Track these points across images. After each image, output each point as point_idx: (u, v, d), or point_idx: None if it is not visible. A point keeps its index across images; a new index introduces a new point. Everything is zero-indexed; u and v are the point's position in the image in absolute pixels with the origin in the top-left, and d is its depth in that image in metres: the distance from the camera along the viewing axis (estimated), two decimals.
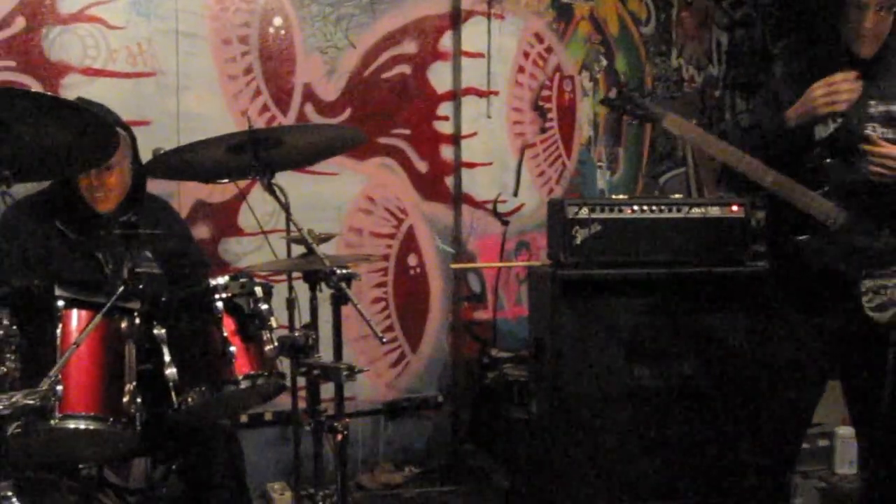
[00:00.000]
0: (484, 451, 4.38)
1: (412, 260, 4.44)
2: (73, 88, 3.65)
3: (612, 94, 2.53)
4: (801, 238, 2.74)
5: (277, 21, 4.10)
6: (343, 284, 2.29)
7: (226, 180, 2.82)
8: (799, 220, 2.77)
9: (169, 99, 3.86)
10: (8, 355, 2.14)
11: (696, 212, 3.72)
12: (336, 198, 4.22)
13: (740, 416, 3.55)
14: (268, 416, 4.03)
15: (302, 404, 2.91)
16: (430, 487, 4.21)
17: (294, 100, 4.15)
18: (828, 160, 2.75)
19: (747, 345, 3.59)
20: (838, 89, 2.67)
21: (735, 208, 3.72)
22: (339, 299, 2.37)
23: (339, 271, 2.31)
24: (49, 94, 3.27)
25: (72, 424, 2.28)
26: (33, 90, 3.44)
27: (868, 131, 2.73)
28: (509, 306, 4.61)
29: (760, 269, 3.53)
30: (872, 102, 2.74)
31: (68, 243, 2.90)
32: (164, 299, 2.62)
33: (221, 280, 2.62)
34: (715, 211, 3.71)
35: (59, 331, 2.36)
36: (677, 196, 4.14)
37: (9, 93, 2.22)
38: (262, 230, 3.41)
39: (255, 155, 2.51)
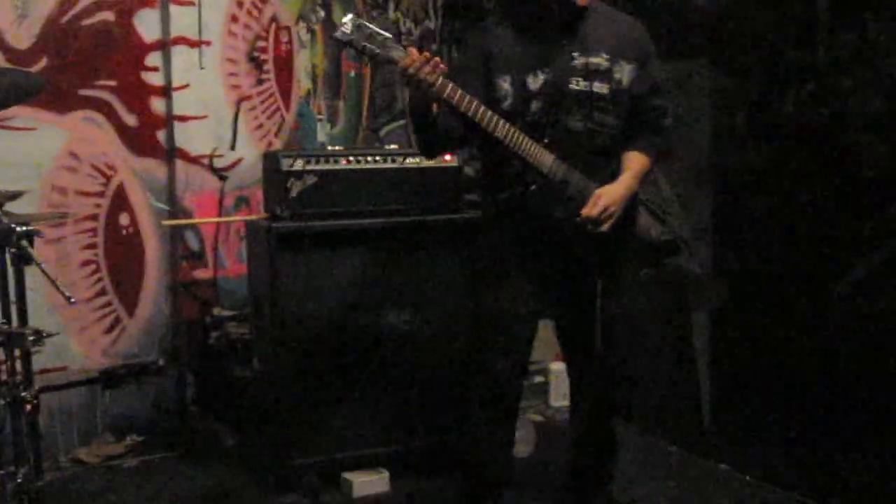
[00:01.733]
0: (211, 413, 4.27)
1: (124, 219, 4.21)
2: None
3: (347, 27, 2.45)
4: (531, 190, 2.82)
5: None
6: (25, 243, 2.11)
7: None
8: (515, 171, 2.86)
9: None
10: None
11: (411, 162, 3.77)
12: (34, 155, 3.91)
13: (459, 361, 3.67)
14: None
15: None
16: (153, 455, 4.06)
17: None
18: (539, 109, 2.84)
19: (463, 291, 3.71)
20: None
21: (448, 158, 3.81)
22: (21, 259, 2.18)
23: (19, 229, 2.13)
24: None
25: None
26: None
27: (572, 85, 2.84)
28: (231, 264, 4.50)
29: (474, 217, 3.63)
30: (575, 54, 2.85)
31: None
32: None
33: None
34: (429, 161, 3.77)
35: None
36: (393, 147, 4.18)
37: None
38: None
39: None
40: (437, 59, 2.61)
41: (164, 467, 3.94)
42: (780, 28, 3.78)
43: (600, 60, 2.87)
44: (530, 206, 2.84)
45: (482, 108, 2.70)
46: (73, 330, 4.05)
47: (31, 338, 2.13)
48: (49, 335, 2.18)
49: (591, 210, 2.80)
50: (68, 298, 2.06)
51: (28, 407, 2.27)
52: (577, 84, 2.85)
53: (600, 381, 3.13)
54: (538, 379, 4.74)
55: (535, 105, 2.84)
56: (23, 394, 2.27)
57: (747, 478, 3.71)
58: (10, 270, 2.39)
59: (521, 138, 2.75)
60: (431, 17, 5.29)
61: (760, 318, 3.87)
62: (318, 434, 3.59)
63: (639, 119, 3.00)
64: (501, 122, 2.72)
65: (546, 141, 2.79)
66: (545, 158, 2.78)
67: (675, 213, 3.12)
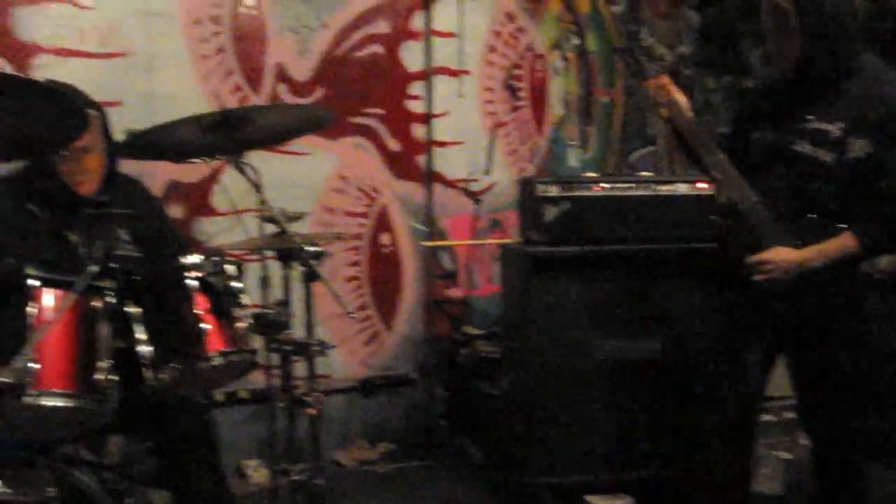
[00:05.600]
0: (458, 427, 4.44)
1: (385, 238, 4.48)
2: (43, 69, 3.64)
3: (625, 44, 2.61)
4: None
5: (249, 1, 4.11)
6: (313, 262, 2.32)
7: (197, 160, 2.84)
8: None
9: (140, 79, 3.86)
10: None
11: (664, 189, 3.77)
12: (309, 177, 4.25)
13: (703, 390, 3.62)
14: (243, 394, 4.07)
15: (277, 382, 2.94)
16: (404, 463, 4.27)
17: (266, 79, 4.16)
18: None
19: (708, 319, 3.66)
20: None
21: (702, 185, 3.78)
22: (310, 276, 2.40)
23: (309, 249, 2.34)
24: (18, 74, 3.27)
25: (47, 401, 2.30)
26: (2, 71, 3.44)
27: (797, 147, 2.78)
28: (482, 284, 4.66)
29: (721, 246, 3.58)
30: (810, 117, 2.78)
31: (41, 224, 2.91)
32: (136, 277, 2.64)
33: (193, 258, 2.64)
34: (682, 188, 3.76)
35: (32, 310, 2.38)
36: (645, 173, 4.19)
37: None
38: (235, 210, 3.44)
39: (227, 135, 2.53)
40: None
41: (414, 476, 4.14)
42: None
43: (834, 129, 2.77)
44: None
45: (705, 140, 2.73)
46: (337, 341, 4.34)
47: (316, 348, 2.34)
48: (331, 347, 2.37)
49: (754, 257, 2.76)
50: (350, 313, 2.25)
51: (312, 412, 2.48)
52: (803, 147, 2.77)
53: (831, 417, 3.00)
54: (787, 415, 4.56)
55: (754, 156, 2.81)
56: (308, 399, 2.48)
57: None
58: (295, 285, 2.64)
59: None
60: (685, 42, 5.27)
61: None
62: (561, 455, 3.65)
63: (861, 199, 2.81)
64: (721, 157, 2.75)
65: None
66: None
67: None
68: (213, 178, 3.96)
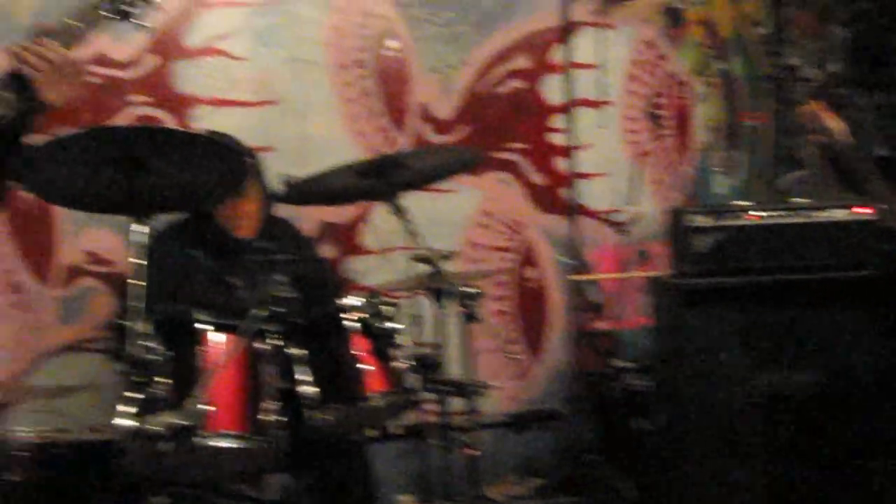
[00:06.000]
0: (608, 462, 4.37)
1: (531, 272, 4.48)
2: (201, 119, 3.82)
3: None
4: None
5: (392, 44, 4.21)
6: (471, 303, 2.35)
7: (352, 203, 2.92)
8: None
9: (291, 124, 4.00)
10: (160, 379, 2.26)
11: (820, 215, 3.63)
12: (454, 213, 4.30)
13: (871, 425, 3.46)
14: (396, 430, 4.11)
15: (431, 418, 2.98)
16: (555, 499, 4.23)
17: (410, 119, 4.25)
18: None
19: (874, 350, 3.50)
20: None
21: (860, 210, 3.63)
22: (470, 318, 2.43)
23: (466, 290, 2.37)
24: (183, 129, 3.44)
25: (219, 442, 2.40)
26: (168, 126, 3.62)
27: None
28: (630, 316, 4.60)
29: (886, 272, 3.43)
30: None
31: (207, 270, 3.04)
32: (298, 320, 2.72)
33: (352, 300, 2.71)
34: (839, 214, 3.61)
35: (202, 353, 2.49)
36: (798, 199, 4.05)
37: (146, 130, 2.37)
38: (385, 248, 3.51)
39: (381, 179, 2.60)
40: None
41: None
42: None
43: None
44: None
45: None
46: (486, 376, 4.33)
47: (476, 388, 2.35)
48: (489, 387, 2.38)
49: None
50: (515, 356, 2.26)
51: (469, 450, 2.49)
52: None
53: None
54: None
55: None
56: (464, 438, 2.50)
57: None
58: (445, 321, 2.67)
59: None
60: (834, 60, 5.09)
61: None
62: (716, 491, 3.55)
63: None
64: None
65: None
66: None
67: None
68: (362, 217, 4.05)
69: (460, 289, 2.40)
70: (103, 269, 3.68)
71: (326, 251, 4.06)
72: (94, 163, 2.19)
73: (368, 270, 4.11)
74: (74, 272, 3.67)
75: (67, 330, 3.66)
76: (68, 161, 2.18)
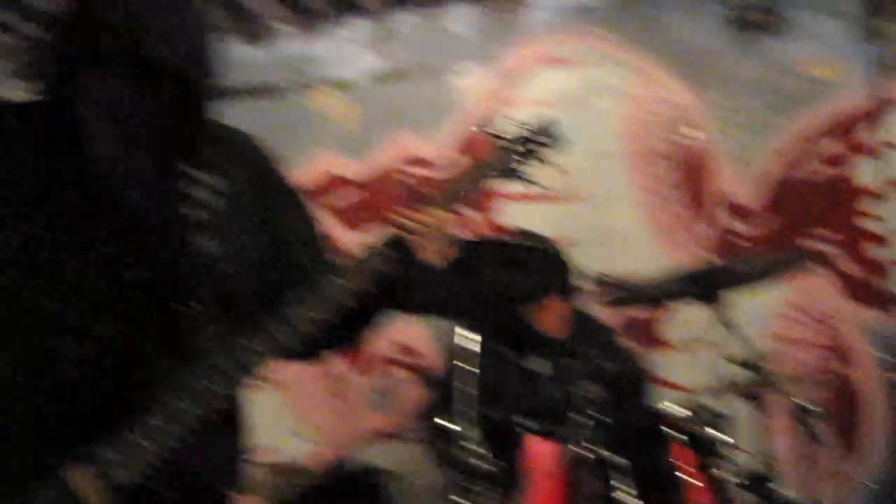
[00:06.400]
0: None
1: (846, 370, 4.16)
2: (510, 216, 3.91)
3: None
4: None
5: (692, 132, 4.13)
6: (810, 421, 2.20)
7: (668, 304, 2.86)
8: None
9: (593, 217, 4.00)
10: (489, 486, 2.27)
11: None
12: (760, 306, 4.09)
13: None
14: None
15: None
16: None
17: (714, 209, 4.12)
18: None
19: None
20: None
21: None
22: (812, 437, 2.27)
23: (807, 406, 2.22)
24: (503, 239, 3.52)
25: None
26: (499, 238, 3.73)
27: None
28: None
29: None
30: None
31: (513, 368, 3.06)
32: (614, 424, 2.66)
33: (672, 408, 2.62)
34: None
35: (522, 458, 2.49)
36: None
37: (480, 243, 2.44)
38: (689, 343, 3.40)
39: (703, 284, 2.52)
40: None
41: None
42: None
43: None
44: None
45: None
46: (793, 482, 4.06)
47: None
48: None
49: None
50: (871, 486, 2.08)
51: None
52: None
53: None
54: None
55: None
56: None
57: None
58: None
59: None
60: None
61: None
62: None
63: None
64: None
65: None
66: None
67: None
68: (664, 311, 3.96)
69: (799, 402, 2.24)
70: (412, 360, 3.83)
71: (627, 342, 4.00)
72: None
73: (673, 366, 3.99)
74: (385, 362, 3.84)
75: (377, 418, 3.82)
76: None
